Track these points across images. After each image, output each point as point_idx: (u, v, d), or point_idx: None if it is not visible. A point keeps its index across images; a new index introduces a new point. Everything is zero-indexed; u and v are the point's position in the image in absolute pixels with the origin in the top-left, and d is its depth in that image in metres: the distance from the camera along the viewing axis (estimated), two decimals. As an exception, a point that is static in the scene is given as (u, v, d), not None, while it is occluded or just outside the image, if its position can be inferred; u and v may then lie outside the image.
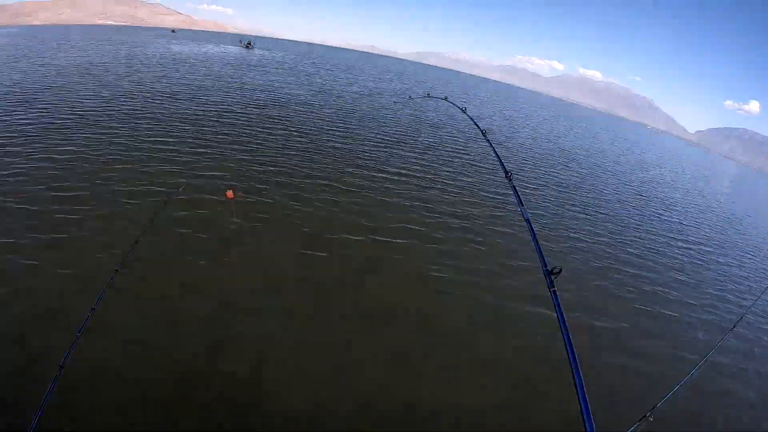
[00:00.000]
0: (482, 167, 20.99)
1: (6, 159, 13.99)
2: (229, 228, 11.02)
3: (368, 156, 19.25)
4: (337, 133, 22.72)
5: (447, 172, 18.99)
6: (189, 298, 8.43)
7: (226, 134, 19.47)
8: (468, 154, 23.50)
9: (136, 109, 22.39)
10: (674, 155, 71.32)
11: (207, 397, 6.51)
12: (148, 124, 19.78)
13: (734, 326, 6.00)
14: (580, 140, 45.22)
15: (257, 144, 18.56)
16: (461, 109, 8.30)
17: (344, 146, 20.42)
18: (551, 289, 2.77)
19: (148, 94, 26.87)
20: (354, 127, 25.34)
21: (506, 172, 5.01)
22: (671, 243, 16.75)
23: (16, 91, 24.50)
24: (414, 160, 19.61)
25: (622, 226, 17.08)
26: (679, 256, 15.53)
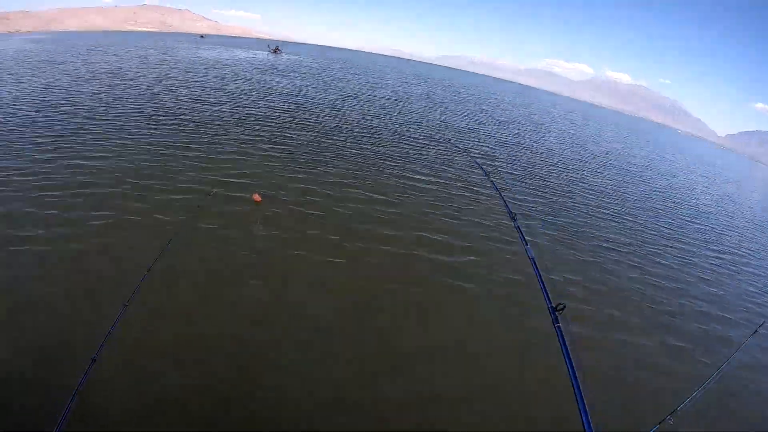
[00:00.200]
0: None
1: (39, 161, 14.42)
2: (256, 233, 11.18)
3: (395, 161, 19.25)
4: (364, 138, 22.83)
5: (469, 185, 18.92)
6: (218, 299, 8.61)
7: (256, 138, 19.73)
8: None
9: (166, 114, 22.84)
10: (704, 159, 69.85)
11: (236, 394, 6.60)
12: (179, 128, 20.20)
13: (756, 330, 5.95)
14: (609, 144, 44.68)
15: (286, 148, 18.73)
16: (464, 150, 8.06)
17: (372, 151, 20.48)
18: (556, 325, 2.90)
19: (177, 99, 27.41)
20: (382, 132, 25.44)
21: (511, 213, 5.02)
22: (701, 251, 16.40)
23: (47, 96, 25.14)
24: (439, 168, 19.50)
25: (651, 233, 16.73)
26: (709, 266, 15.20)
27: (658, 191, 25.12)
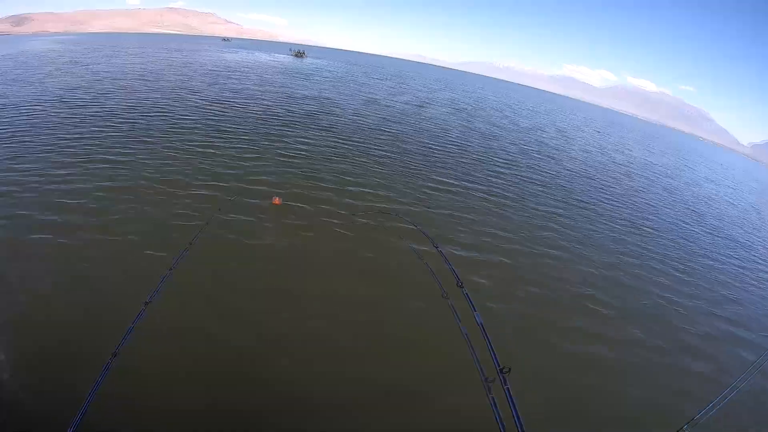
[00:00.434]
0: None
1: (60, 161, 14.88)
2: (275, 235, 11.34)
3: (416, 167, 19.28)
4: (385, 143, 22.92)
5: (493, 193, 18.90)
6: (237, 298, 8.81)
7: (278, 142, 20.02)
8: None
9: (190, 116, 23.45)
10: (727, 168, 68.86)
11: (251, 391, 6.75)
12: (202, 130, 20.68)
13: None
14: (632, 152, 44.25)
15: (307, 153, 18.94)
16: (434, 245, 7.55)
17: (393, 156, 20.60)
18: (505, 387, 2.99)
19: (200, 101, 28.11)
20: (403, 137, 25.53)
21: (458, 280, 4.97)
22: (726, 263, 16.17)
23: (71, 96, 25.59)
24: (462, 174, 19.43)
25: (674, 244, 16.54)
26: (733, 278, 14.96)
27: (683, 202, 24.82)
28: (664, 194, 25.31)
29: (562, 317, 9.64)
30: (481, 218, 14.39)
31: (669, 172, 36.83)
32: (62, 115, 21.20)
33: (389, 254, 11.10)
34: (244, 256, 10.24)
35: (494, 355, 3.35)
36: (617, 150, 42.59)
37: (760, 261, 17.29)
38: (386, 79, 77.22)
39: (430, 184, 16.95)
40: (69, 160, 15.00)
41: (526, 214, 15.64)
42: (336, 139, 21.91)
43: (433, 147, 23.80)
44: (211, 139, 19.01)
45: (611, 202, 19.97)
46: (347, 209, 13.38)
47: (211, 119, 23.05)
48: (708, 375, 9.02)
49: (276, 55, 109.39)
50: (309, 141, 20.88)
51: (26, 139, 16.98)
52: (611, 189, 22.78)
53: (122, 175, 14.02)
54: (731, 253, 17.14)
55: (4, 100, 24.23)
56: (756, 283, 14.92)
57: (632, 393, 8.03)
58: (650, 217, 19.10)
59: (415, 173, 18.06)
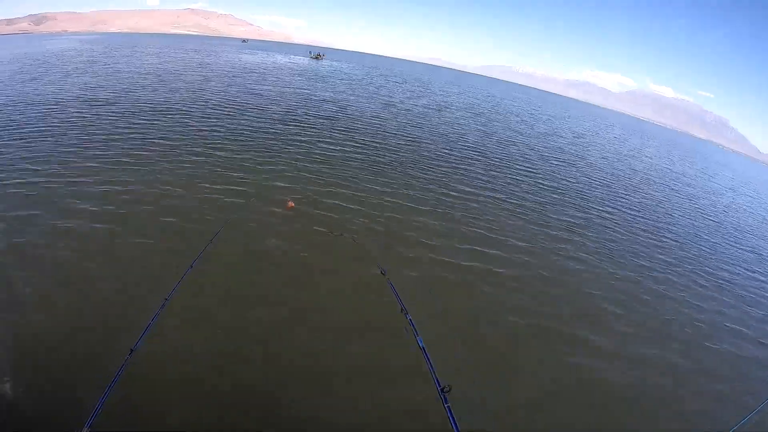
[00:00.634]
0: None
1: (80, 160, 15.13)
2: (288, 239, 11.37)
3: (434, 172, 19.30)
4: (403, 148, 23.00)
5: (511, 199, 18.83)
6: (254, 299, 8.90)
7: (295, 145, 20.16)
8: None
9: (207, 117, 23.84)
10: (747, 177, 67.96)
11: (267, 390, 6.82)
12: (219, 131, 20.97)
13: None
14: (651, 160, 43.90)
15: (324, 156, 19.01)
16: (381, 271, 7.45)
17: (411, 161, 20.63)
18: (446, 405, 3.15)
19: (218, 102, 28.51)
20: (422, 141, 25.59)
21: (402, 308, 5.06)
22: (749, 277, 15.87)
23: (90, 95, 26.16)
24: (479, 180, 19.39)
25: (695, 255, 16.27)
26: (756, 292, 14.64)
27: (703, 211, 24.55)
28: (684, 203, 25.06)
29: (576, 331, 9.53)
30: (498, 226, 14.36)
31: (688, 180, 36.46)
32: (80, 114, 21.61)
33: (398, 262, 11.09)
34: (258, 258, 10.37)
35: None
36: (636, 157, 42.28)
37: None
38: (404, 82, 77.31)
39: (445, 190, 16.92)
40: (86, 159, 15.31)
41: (543, 222, 15.56)
42: (353, 143, 22.02)
43: (451, 152, 23.82)
44: (229, 141, 19.27)
45: (630, 210, 19.83)
46: (363, 215, 13.42)
47: (229, 121, 23.32)
48: (730, 396, 8.77)
49: (294, 56, 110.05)
50: (327, 144, 21.03)
51: (45, 137, 17.39)
52: (630, 197, 22.63)
53: (140, 174, 14.29)
54: (754, 267, 16.79)
55: (23, 98, 24.61)
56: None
57: (649, 413, 7.89)
58: (669, 226, 18.90)
59: (432, 179, 18.07)
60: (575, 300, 10.86)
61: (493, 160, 23.80)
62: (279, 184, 15.07)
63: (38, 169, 14.05)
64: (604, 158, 35.11)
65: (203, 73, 44.83)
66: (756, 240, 21.10)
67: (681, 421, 7.89)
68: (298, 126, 24.23)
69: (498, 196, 17.45)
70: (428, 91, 66.52)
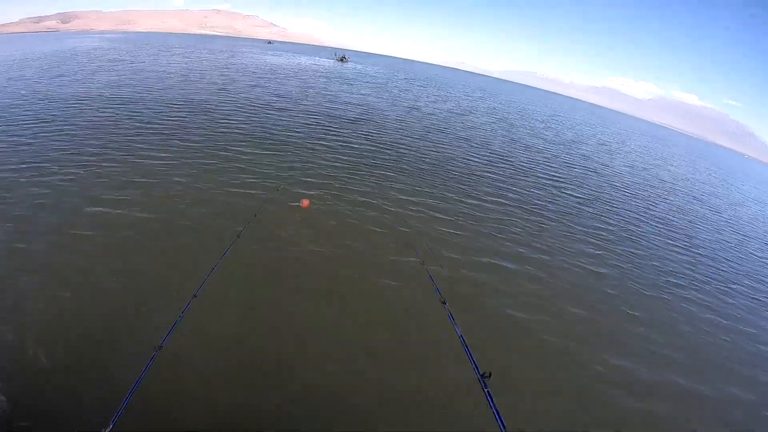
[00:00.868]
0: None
1: (106, 155, 15.58)
2: (316, 233, 11.64)
3: (458, 177, 19.31)
4: (427, 152, 23.04)
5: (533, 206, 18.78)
6: (284, 294, 8.98)
7: (319, 146, 20.41)
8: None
9: (230, 117, 24.16)
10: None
11: (292, 387, 6.81)
12: (242, 132, 21.25)
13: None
14: (677, 169, 43.37)
15: (347, 159, 19.15)
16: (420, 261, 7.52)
17: (434, 165, 20.72)
18: (486, 390, 3.21)
19: (242, 102, 28.98)
20: (446, 146, 25.70)
21: (441, 298, 5.24)
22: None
23: (115, 93, 26.93)
24: (503, 186, 19.37)
25: (720, 267, 15.97)
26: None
27: (728, 223, 24.24)
28: (709, 214, 24.73)
29: (598, 340, 9.49)
30: (519, 232, 14.34)
31: (714, 190, 35.95)
32: (106, 111, 22.18)
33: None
34: (287, 254, 10.50)
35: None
36: (661, 166, 41.79)
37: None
38: (428, 86, 77.36)
39: (470, 196, 16.98)
40: (111, 155, 15.74)
41: (566, 230, 15.50)
42: (376, 146, 22.21)
43: (476, 157, 23.86)
44: (252, 141, 19.65)
45: (655, 220, 19.68)
46: (385, 220, 13.44)
47: (252, 121, 23.80)
48: (756, 405, 8.65)
49: (318, 59, 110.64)
50: (350, 147, 21.26)
51: (71, 133, 17.81)
52: (655, 207, 22.45)
53: (165, 171, 14.65)
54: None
55: (50, 94, 25.13)
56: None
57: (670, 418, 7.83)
58: (694, 237, 18.67)
59: (456, 185, 18.09)
60: (596, 311, 10.78)
61: (517, 167, 23.78)
62: (303, 182, 15.33)
63: (65, 162, 14.58)
64: (630, 167, 34.81)
65: (228, 74, 45.40)
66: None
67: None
68: (323, 128, 24.55)
69: (522, 204, 17.44)
70: (452, 95, 66.50)
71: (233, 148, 18.01)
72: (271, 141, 19.83)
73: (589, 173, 27.06)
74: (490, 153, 25.92)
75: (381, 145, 22.40)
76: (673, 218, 21.16)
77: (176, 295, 7.06)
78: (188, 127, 20.35)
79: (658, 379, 8.59)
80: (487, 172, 21.26)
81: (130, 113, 22.23)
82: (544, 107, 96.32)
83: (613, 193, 23.06)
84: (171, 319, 4.53)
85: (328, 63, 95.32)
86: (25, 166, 13.97)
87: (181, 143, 17.81)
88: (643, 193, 25.11)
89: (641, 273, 13.41)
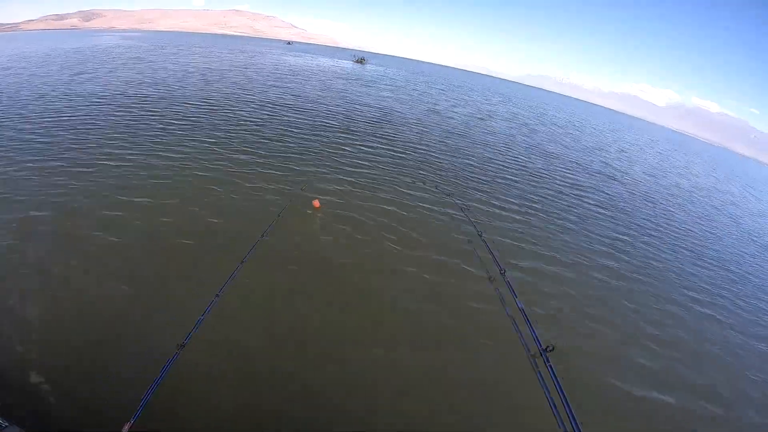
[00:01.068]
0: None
1: (124, 155, 15.93)
2: (338, 232, 11.98)
3: (476, 182, 19.43)
4: (445, 156, 23.21)
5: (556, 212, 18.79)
6: (301, 296, 9.14)
7: (338, 149, 20.61)
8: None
9: (249, 118, 24.59)
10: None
11: (311, 384, 6.99)
12: (260, 132, 21.60)
13: None
14: (697, 177, 42.87)
15: (366, 162, 19.32)
16: (477, 233, 7.84)
17: (453, 170, 20.83)
18: (548, 364, 3.29)
19: (262, 103, 29.44)
20: (465, 151, 25.83)
21: (501, 268, 5.11)
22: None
23: (134, 91, 27.49)
24: (522, 192, 19.41)
25: (740, 279, 15.84)
26: None
27: (749, 234, 24.01)
28: (730, 224, 24.53)
29: (617, 355, 9.40)
30: (537, 241, 14.38)
31: (734, 200, 35.53)
32: (125, 109, 22.65)
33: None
34: (304, 258, 10.61)
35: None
36: (681, 174, 41.39)
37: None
38: (448, 89, 77.11)
39: (492, 201, 17.16)
40: (129, 154, 16.13)
41: (585, 239, 15.50)
42: (395, 149, 22.42)
43: (494, 163, 23.96)
44: (271, 142, 19.97)
45: (674, 230, 19.64)
46: (397, 221, 13.61)
47: (272, 121, 24.25)
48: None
49: (338, 60, 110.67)
50: (369, 150, 21.46)
51: (90, 130, 18.59)
52: (675, 216, 22.36)
53: (186, 171, 15.01)
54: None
55: (70, 91, 25.57)
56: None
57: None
58: (714, 248, 18.56)
59: (475, 189, 18.26)
60: (614, 324, 10.78)
61: (536, 172, 23.80)
62: (325, 184, 15.58)
63: (86, 161, 15.01)
64: (650, 174, 34.58)
65: (247, 74, 45.72)
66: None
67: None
68: (341, 131, 24.83)
69: (540, 208, 17.57)
70: (471, 99, 66.27)
71: (252, 149, 18.41)
72: (292, 142, 20.20)
73: (609, 180, 26.98)
74: (510, 159, 25.98)
75: (399, 149, 22.66)
76: (691, 227, 21.07)
77: (199, 296, 7.19)
78: (208, 128, 20.78)
79: (667, 397, 8.62)
80: (506, 177, 21.40)
81: (150, 113, 22.73)
82: (564, 112, 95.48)
83: (634, 201, 23.00)
84: (193, 318, 4.65)
85: (348, 65, 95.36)
86: (46, 163, 14.53)
87: (201, 144, 18.21)
88: (663, 202, 24.98)
89: (658, 284, 13.45)
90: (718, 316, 12.17)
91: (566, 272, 12.40)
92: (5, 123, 18.59)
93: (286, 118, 25.25)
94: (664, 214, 21.93)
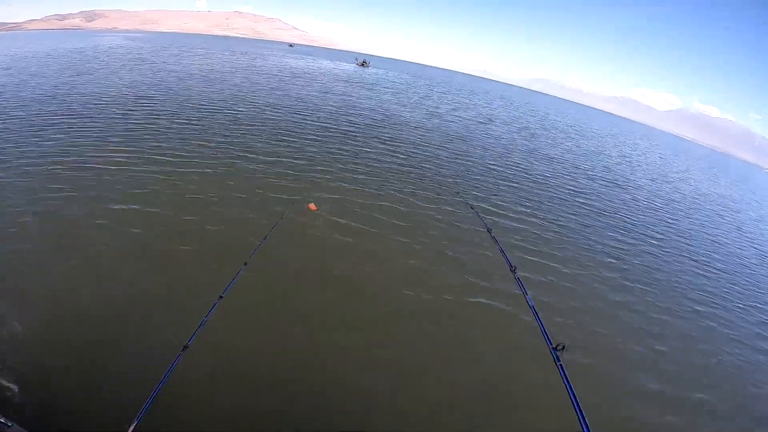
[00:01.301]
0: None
1: (123, 157, 15.88)
2: (329, 241, 11.75)
3: (476, 189, 19.26)
4: (445, 161, 23.11)
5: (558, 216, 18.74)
6: (304, 298, 9.16)
7: (339, 153, 20.53)
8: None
9: (250, 121, 24.64)
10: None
11: (311, 386, 6.96)
12: (260, 135, 21.52)
13: None
14: (698, 183, 42.75)
15: (366, 166, 19.27)
16: (487, 229, 7.88)
17: (454, 175, 20.70)
18: (558, 363, 3.19)
19: (262, 106, 29.52)
20: (466, 155, 25.77)
21: (511, 266, 5.06)
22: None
23: (135, 92, 27.29)
24: (523, 199, 19.20)
25: (744, 290, 15.58)
26: None
27: (751, 240, 23.90)
28: (732, 230, 24.45)
29: (617, 369, 9.13)
30: (538, 248, 14.23)
31: (736, 206, 35.49)
32: (127, 110, 22.62)
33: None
34: (314, 255, 10.83)
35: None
36: (683, 179, 41.35)
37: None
38: (449, 93, 77.39)
39: (499, 203, 17.18)
40: (130, 156, 16.09)
41: (586, 246, 15.38)
42: (395, 154, 22.35)
43: (495, 169, 23.82)
44: (272, 145, 19.93)
45: (677, 237, 19.54)
46: (404, 226, 13.56)
47: (272, 124, 24.20)
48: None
49: (339, 63, 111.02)
50: (369, 154, 21.43)
51: (92, 132, 18.63)
52: (677, 222, 22.27)
53: (189, 175, 14.92)
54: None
55: (72, 91, 25.67)
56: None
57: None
58: (717, 256, 18.38)
59: (475, 196, 18.06)
60: (614, 338, 10.70)
61: (537, 178, 23.72)
62: (328, 187, 15.60)
63: (87, 162, 14.96)
64: (652, 180, 34.53)
65: (248, 76, 45.80)
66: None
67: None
68: (342, 134, 24.81)
69: (540, 214, 17.46)
70: (472, 103, 66.42)
71: (254, 151, 18.38)
72: (290, 147, 20.05)
73: (610, 185, 26.93)
74: (511, 163, 25.91)
75: (400, 153, 22.62)
76: (694, 233, 20.99)
77: (203, 297, 7.17)
78: (209, 130, 20.77)
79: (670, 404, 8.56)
80: (507, 183, 21.33)
81: (150, 115, 22.69)
82: (565, 116, 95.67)
83: (635, 207, 22.93)
84: (197, 320, 4.62)
85: (350, 67, 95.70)
86: (44, 161, 14.59)
87: (202, 146, 18.16)
88: (664, 208, 24.90)
89: (659, 292, 13.33)
90: (723, 328, 12.04)
91: (575, 274, 12.35)
92: (2, 124, 18.53)
93: (287, 122, 25.24)
94: (668, 221, 21.85)
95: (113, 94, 26.91)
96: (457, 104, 56.71)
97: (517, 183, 21.33)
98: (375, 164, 19.13)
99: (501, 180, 21.22)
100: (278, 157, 17.90)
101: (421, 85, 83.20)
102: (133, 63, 46.08)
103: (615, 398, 8.05)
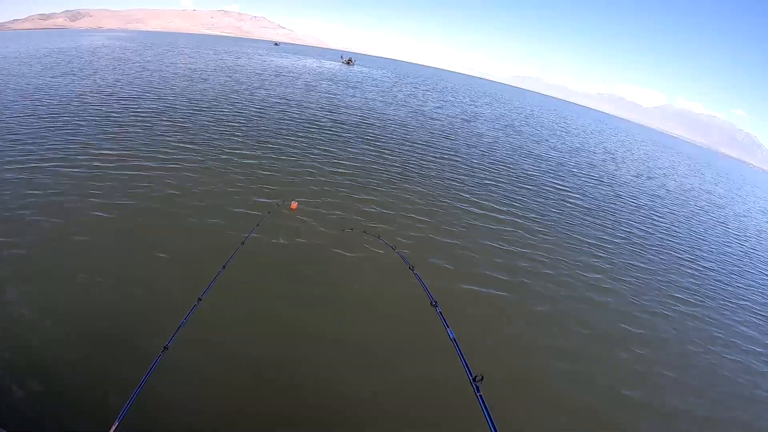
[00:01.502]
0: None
1: (105, 156, 15.70)
2: (318, 237, 11.89)
3: (459, 185, 19.20)
4: (429, 159, 22.94)
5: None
6: (287, 297, 9.20)
7: (322, 154, 20.26)
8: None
9: (233, 119, 24.52)
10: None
11: (289, 387, 7.02)
12: (243, 134, 21.49)
13: None
14: (684, 179, 43.04)
15: (349, 162, 19.31)
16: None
17: (436, 171, 20.72)
18: (478, 394, 3.11)
19: (245, 105, 29.25)
20: (449, 152, 25.74)
21: (433, 302, 4.97)
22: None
23: (119, 92, 27.25)
24: (507, 198, 19.05)
25: (731, 287, 15.48)
26: None
27: (737, 236, 23.94)
28: (717, 226, 24.53)
29: (597, 373, 8.95)
30: (520, 243, 14.22)
31: (720, 201, 35.75)
32: (110, 109, 22.27)
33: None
34: (289, 259, 10.72)
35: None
36: (668, 175, 41.61)
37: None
38: (434, 90, 77.53)
39: (472, 206, 16.83)
40: (113, 156, 15.88)
41: (571, 244, 15.27)
42: (379, 152, 22.17)
43: (479, 164, 23.82)
44: (254, 145, 19.71)
45: (663, 233, 19.54)
46: (385, 221, 13.70)
47: (255, 125, 23.98)
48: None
49: (325, 61, 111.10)
50: (353, 150, 21.45)
51: (75, 131, 18.44)
52: (662, 219, 22.27)
53: (167, 175, 14.63)
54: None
55: (54, 92, 25.34)
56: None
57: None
58: (703, 253, 18.37)
59: (457, 195, 17.79)
60: (597, 339, 10.44)
61: (520, 174, 23.66)
62: (308, 187, 15.47)
63: (70, 162, 14.73)
64: (636, 176, 34.64)
65: (233, 75, 45.60)
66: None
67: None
68: (326, 132, 24.71)
69: (525, 212, 17.36)
70: (457, 100, 66.59)
71: (236, 152, 18.07)
72: (272, 147, 19.78)
73: (595, 182, 26.92)
74: (495, 161, 25.81)
75: (384, 151, 22.43)
76: (678, 229, 20.98)
77: (181, 299, 7.05)
78: (190, 131, 20.39)
79: (655, 401, 8.48)
80: (491, 179, 21.21)
81: (135, 114, 22.35)
82: (550, 113, 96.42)
83: (620, 204, 22.91)
84: (177, 321, 4.52)
85: (335, 66, 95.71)
86: (24, 164, 14.12)
87: (184, 146, 17.83)
88: (649, 204, 24.93)
89: (644, 287, 13.23)
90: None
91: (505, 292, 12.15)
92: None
93: (270, 122, 24.95)
94: (651, 216, 21.86)
95: (97, 94, 26.56)
96: (441, 102, 56.44)
97: (498, 181, 21.19)
98: (357, 166, 18.80)
99: (483, 179, 21.08)
100: (259, 159, 17.58)
101: (406, 83, 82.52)
102: (117, 62, 45.76)
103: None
